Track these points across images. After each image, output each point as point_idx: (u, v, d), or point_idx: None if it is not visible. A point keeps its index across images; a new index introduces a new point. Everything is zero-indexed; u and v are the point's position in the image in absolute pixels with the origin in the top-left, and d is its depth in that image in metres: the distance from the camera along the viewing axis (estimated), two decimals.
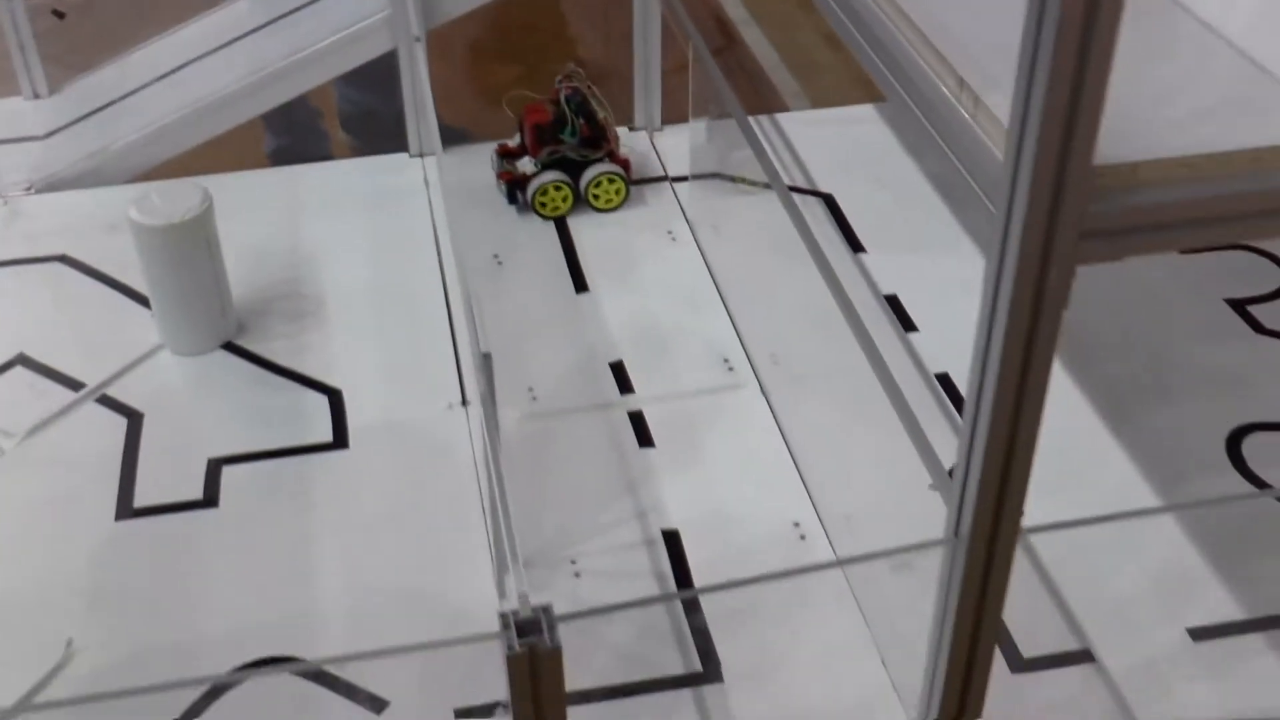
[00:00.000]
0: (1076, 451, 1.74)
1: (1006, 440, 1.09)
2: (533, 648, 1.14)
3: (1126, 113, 1.05)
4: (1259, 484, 1.72)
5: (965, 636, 1.23)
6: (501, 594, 1.54)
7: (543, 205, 2.18)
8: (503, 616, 1.16)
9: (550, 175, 2.16)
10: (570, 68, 2.18)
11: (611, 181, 2.18)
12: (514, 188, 2.19)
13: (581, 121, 2.15)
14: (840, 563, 1.58)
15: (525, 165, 2.20)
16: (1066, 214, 0.98)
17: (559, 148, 2.16)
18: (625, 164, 2.20)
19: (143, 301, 2.01)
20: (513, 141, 2.24)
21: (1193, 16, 1.18)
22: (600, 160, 2.17)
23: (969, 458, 1.13)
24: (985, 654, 1.24)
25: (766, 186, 2.02)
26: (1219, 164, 1.01)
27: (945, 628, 1.24)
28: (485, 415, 1.39)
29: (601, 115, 2.18)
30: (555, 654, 1.14)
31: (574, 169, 2.17)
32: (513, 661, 1.14)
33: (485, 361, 1.43)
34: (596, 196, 2.18)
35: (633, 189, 2.24)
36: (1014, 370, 1.05)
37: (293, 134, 2.97)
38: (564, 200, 2.17)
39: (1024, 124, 0.95)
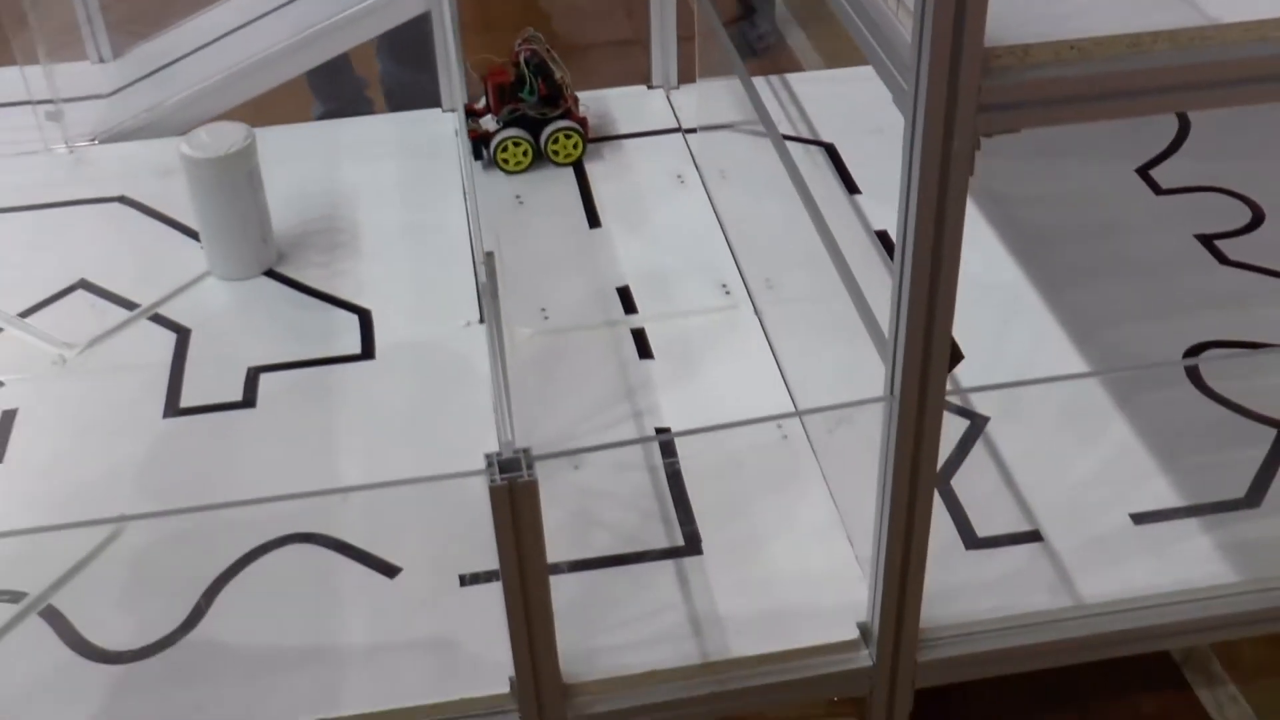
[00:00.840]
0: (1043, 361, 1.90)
1: (927, 296, 1.25)
2: (512, 482, 1.32)
3: (1027, 5, 1.22)
4: (1213, 395, 1.87)
5: (904, 488, 1.39)
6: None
7: (505, 161, 2.35)
8: (487, 456, 1.34)
9: (510, 132, 2.33)
10: (529, 32, 2.35)
11: (569, 136, 2.35)
12: (479, 144, 2.36)
13: (540, 81, 2.32)
14: (798, 413, 1.78)
15: (488, 123, 2.37)
16: (964, 87, 1.15)
17: (519, 106, 2.33)
18: (582, 121, 2.37)
19: (193, 235, 2.21)
20: (479, 103, 2.41)
21: None
22: (559, 117, 2.34)
23: (898, 317, 1.29)
24: (924, 503, 1.40)
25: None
26: (1102, 46, 1.17)
27: (887, 484, 1.40)
28: (486, 303, 1.57)
29: (559, 75, 2.34)
30: (531, 487, 1.32)
31: (534, 126, 2.35)
32: (495, 493, 1.32)
33: (488, 259, 1.62)
34: (556, 151, 2.36)
35: (649, 140, 2.41)
36: (929, 230, 1.22)
37: (340, 102, 3.17)
38: (524, 155, 2.34)
39: (923, 11, 1.12)
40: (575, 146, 2.36)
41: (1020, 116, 1.18)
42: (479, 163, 2.36)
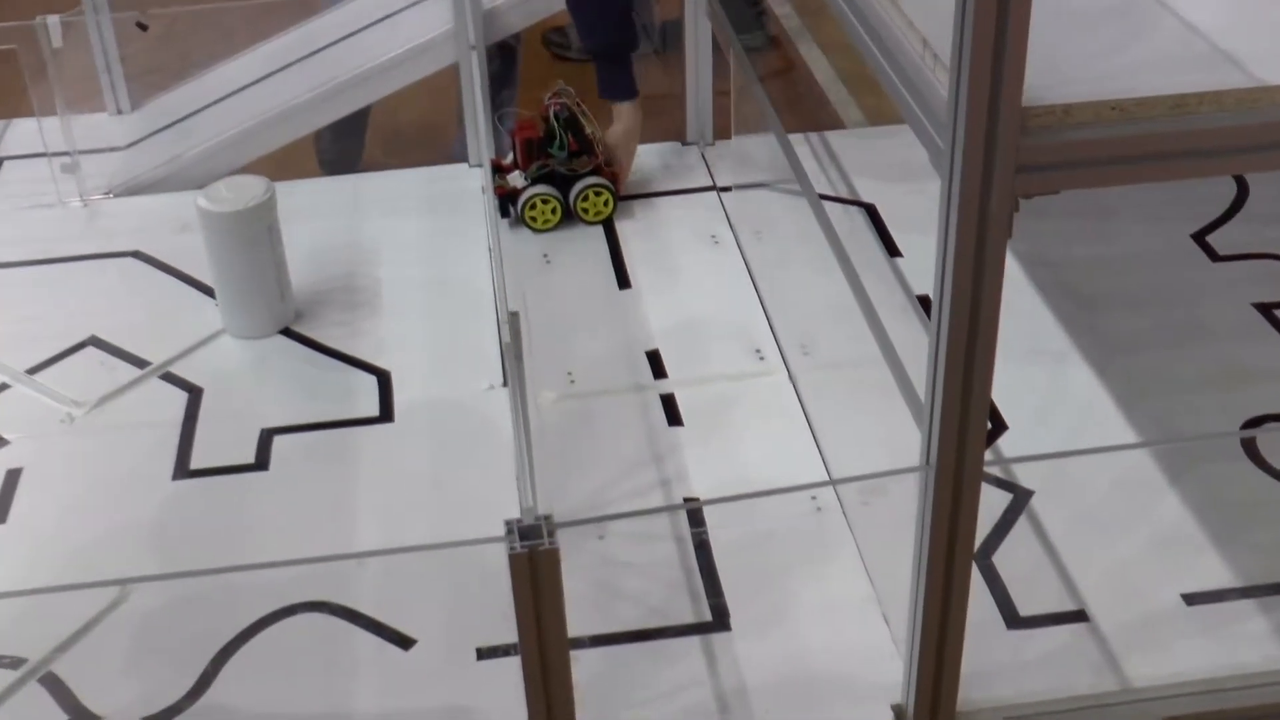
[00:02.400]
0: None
1: (964, 361, 1.28)
2: (533, 550, 1.34)
3: (1069, 65, 1.25)
4: (1270, 470, 1.88)
5: (941, 563, 1.41)
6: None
7: (533, 219, 2.38)
8: (507, 523, 1.36)
9: (539, 189, 2.36)
10: (559, 85, 2.39)
11: (599, 194, 2.38)
12: (506, 201, 2.39)
13: (570, 136, 2.36)
14: (832, 482, 1.81)
15: (515, 179, 2.40)
16: (1002, 147, 1.18)
17: (548, 162, 2.37)
18: (614, 178, 2.40)
19: (208, 292, 2.26)
20: (507, 159, 2.45)
21: None
22: (588, 174, 2.38)
23: (933, 383, 1.32)
24: (962, 579, 1.42)
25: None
26: (1144, 107, 1.20)
27: (922, 558, 1.42)
28: (509, 364, 1.60)
29: (589, 130, 2.38)
30: (553, 555, 1.34)
31: (564, 183, 2.38)
32: (515, 561, 1.34)
33: (513, 319, 1.65)
34: (585, 210, 2.39)
35: (683, 197, 2.46)
36: (966, 293, 1.24)
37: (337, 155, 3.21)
38: (552, 213, 2.37)
39: (959, 69, 1.16)
40: (606, 204, 2.40)
41: (1060, 178, 1.21)
42: (505, 220, 2.40)
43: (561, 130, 2.36)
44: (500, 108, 3.02)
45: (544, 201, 2.37)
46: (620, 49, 2.38)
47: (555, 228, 2.40)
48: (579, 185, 2.38)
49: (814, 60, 3.81)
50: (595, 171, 2.38)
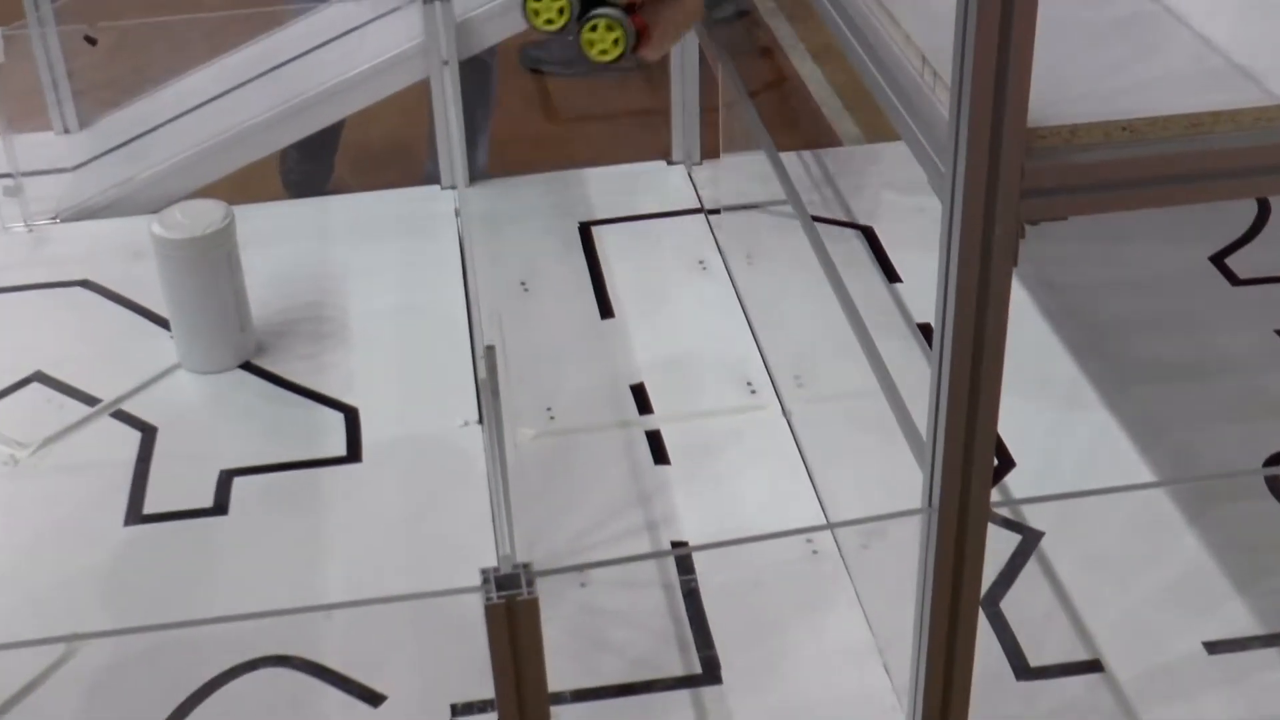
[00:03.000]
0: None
1: (967, 395, 1.28)
2: (510, 600, 1.34)
3: (1076, 82, 1.26)
4: None
5: (945, 611, 1.41)
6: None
7: (590, 45, 1.95)
8: (483, 571, 1.37)
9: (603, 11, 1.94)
10: None
11: (611, 28, 1.97)
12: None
13: None
14: (829, 526, 1.83)
15: None
16: (1006, 170, 1.18)
17: None
18: (642, 29, 1.98)
19: (162, 324, 2.26)
20: None
21: (1159, 3, 1.39)
22: (607, 3, 1.97)
23: (935, 418, 1.32)
24: (968, 627, 1.42)
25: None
26: (1157, 127, 1.21)
27: (925, 605, 1.42)
28: (485, 400, 1.60)
29: None
30: (532, 605, 1.34)
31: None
32: (491, 612, 1.34)
33: (488, 353, 1.66)
34: (590, 43, 1.98)
35: (669, 220, 2.47)
36: (969, 323, 1.25)
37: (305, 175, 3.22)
38: (614, 44, 1.94)
39: (961, 88, 1.16)
40: (616, 43, 1.97)
41: (1067, 203, 1.22)
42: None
43: None
44: (476, 128, 3.01)
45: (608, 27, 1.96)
46: None
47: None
48: (596, 11, 1.97)
49: (807, 73, 3.83)
50: (628, 9, 1.99)
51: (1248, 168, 1.24)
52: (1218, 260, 2.37)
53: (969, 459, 1.33)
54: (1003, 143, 1.18)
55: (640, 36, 2.01)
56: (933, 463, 1.35)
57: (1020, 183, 1.20)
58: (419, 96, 2.59)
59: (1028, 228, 1.23)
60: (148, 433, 2.07)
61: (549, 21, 2.02)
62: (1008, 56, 1.14)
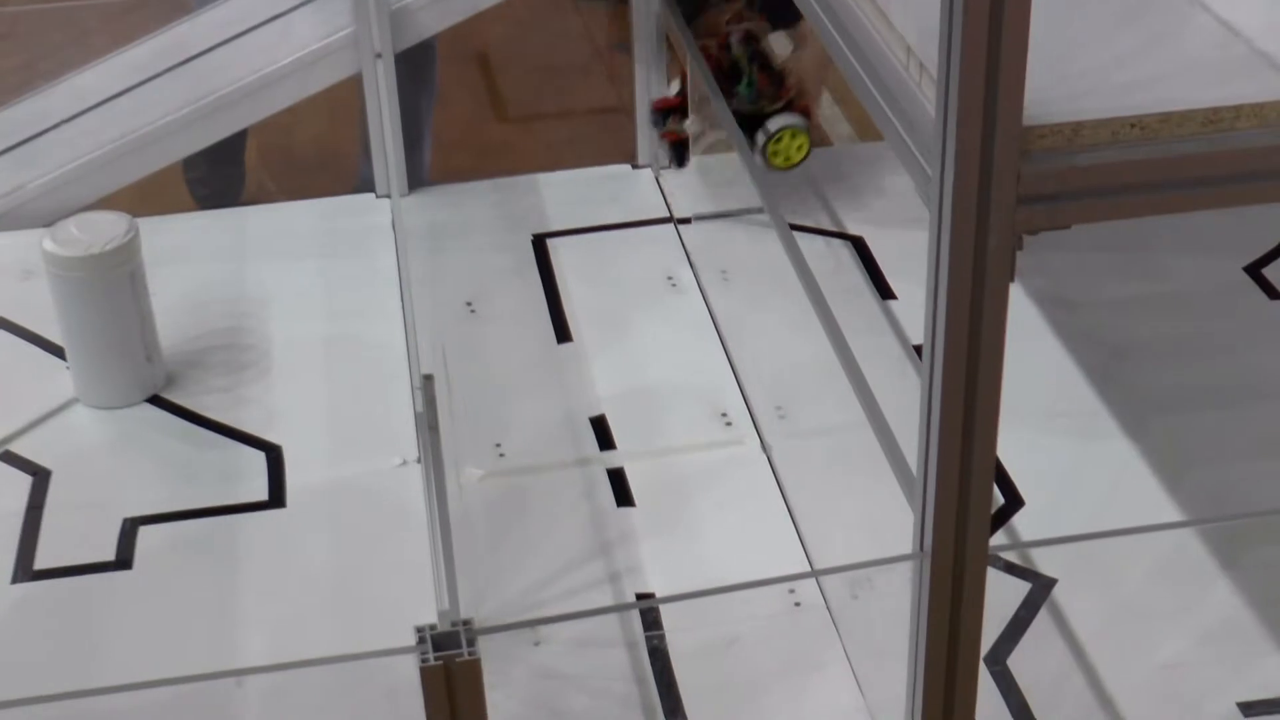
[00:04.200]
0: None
1: (961, 426, 1.30)
2: (449, 661, 1.36)
3: (1079, 74, 1.29)
4: None
5: (940, 668, 1.43)
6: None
7: (775, 155, 2.33)
8: (419, 629, 1.38)
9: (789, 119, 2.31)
10: (740, 5, 2.33)
11: (795, 136, 2.32)
12: (679, 149, 2.41)
13: (756, 70, 2.31)
14: (814, 574, 1.84)
15: (692, 125, 2.40)
16: (1000, 174, 1.21)
17: (732, 102, 2.31)
18: (807, 112, 2.35)
19: (56, 353, 2.26)
20: (672, 91, 2.42)
21: None
22: (780, 111, 2.32)
23: (925, 453, 1.34)
24: (967, 687, 1.44)
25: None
26: (1171, 124, 1.24)
27: (918, 662, 1.44)
28: (423, 440, 1.62)
29: (779, 60, 2.33)
30: (473, 667, 1.36)
31: (747, 124, 2.32)
32: (428, 675, 1.36)
33: (426, 383, 1.67)
34: (775, 154, 2.32)
35: (634, 231, 2.49)
36: (960, 345, 1.27)
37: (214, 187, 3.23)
38: (798, 150, 2.32)
39: (947, 81, 1.19)
40: (800, 149, 2.35)
41: (1070, 210, 1.24)
42: (675, 169, 2.41)
43: (748, 63, 2.30)
44: (418, 123, 3.04)
45: (793, 136, 2.32)
46: None
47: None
48: (772, 125, 2.31)
49: None
50: (788, 108, 2.32)
51: (1275, 169, 1.27)
52: (1253, 271, 2.39)
53: (964, 497, 1.35)
54: (995, 143, 1.20)
55: (809, 116, 2.34)
56: (923, 502, 1.37)
57: (1016, 188, 1.22)
58: (349, 93, 2.61)
59: (1027, 238, 1.26)
60: (40, 476, 2.08)
61: (788, 160, 2.34)
62: (1000, 44, 1.16)
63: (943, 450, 1.32)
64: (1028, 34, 1.16)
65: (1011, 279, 1.26)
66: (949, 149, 1.20)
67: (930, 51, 1.25)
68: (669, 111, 2.44)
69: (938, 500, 1.35)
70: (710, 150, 2.42)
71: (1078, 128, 1.23)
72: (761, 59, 2.33)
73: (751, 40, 2.33)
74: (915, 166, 1.28)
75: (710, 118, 2.37)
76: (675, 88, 2.44)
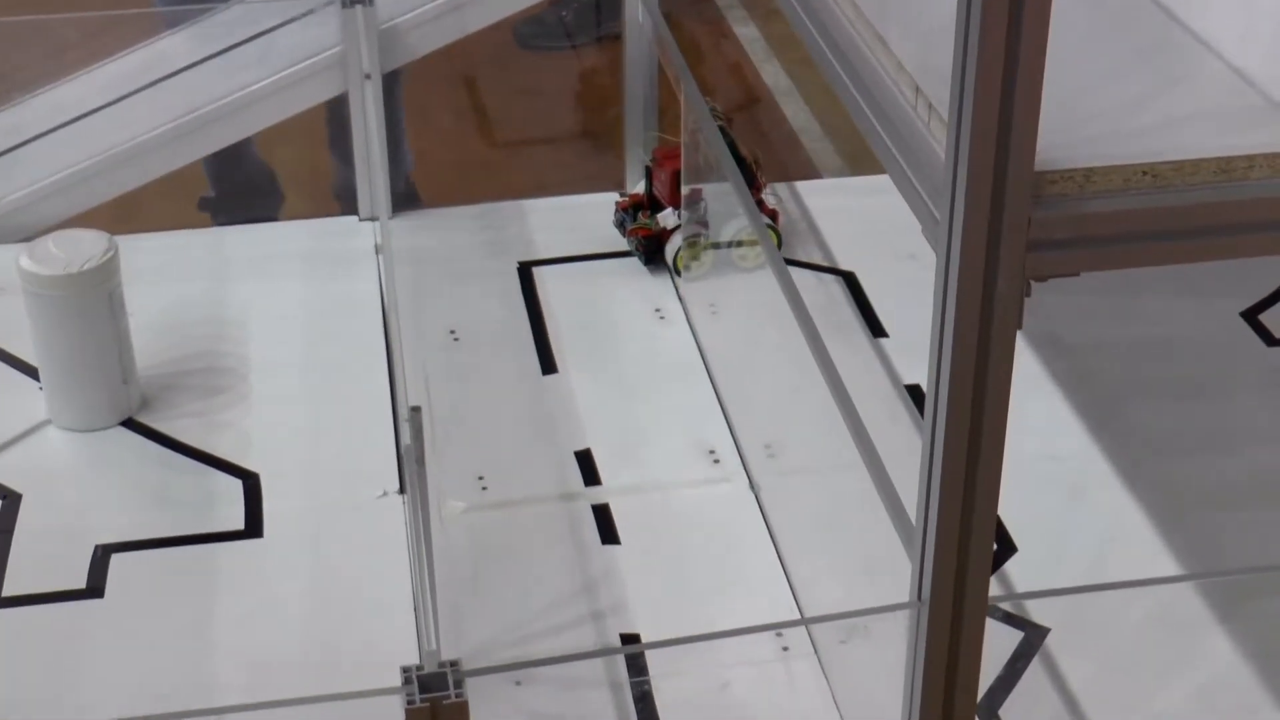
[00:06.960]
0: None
1: (964, 473, 1.30)
2: (435, 703, 1.35)
3: (1092, 120, 1.29)
4: None
5: (936, 714, 1.43)
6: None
7: (689, 266, 2.39)
8: (404, 670, 1.37)
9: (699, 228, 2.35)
10: (710, 103, 2.36)
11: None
12: (651, 245, 2.44)
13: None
14: (804, 621, 1.83)
15: (668, 218, 2.43)
16: (1011, 219, 1.21)
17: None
18: (774, 215, 2.40)
19: (30, 373, 2.25)
20: (635, 191, 2.44)
21: (1187, 30, 1.42)
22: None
23: (927, 500, 1.34)
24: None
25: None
26: (1183, 171, 1.24)
27: (914, 712, 1.44)
28: (410, 474, 1.61)
29: (750, 157, 2.37)
30: (460, 710, 1.35)
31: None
32: (413, 716, 1.35)
33: (414, 415, 1.67)
34: (744, 257, 2.39)
35: (622, 262, 2.49)
36: (965, 392, 1.27)
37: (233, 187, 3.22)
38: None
39: (959, 124, 1.19)
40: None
41: (1080, 258, 1.25)
42: (648, 268, 2.42)
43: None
44: (394, 133, 3.05)
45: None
46: None
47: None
48: (736, 226, 2.37)
49: (782, 92, 3.87)
50: (757, 206, 2.34)
51: None
52: (1250, 317, 2.40)
53: (965, 547, 1.35)
54: (1007, 188, 1.20)
55: (776, 220, 2.42)
56: (923, 551, 1.37)
57: (1027, 233, 1.22)
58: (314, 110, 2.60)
59: (1034, 284, 1.26)
60: (10, 500, 2.06)
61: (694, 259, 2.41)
62: (1014, 89, 1.16)
63: (944, 500, 1.32)
64: (1042, 80, 1.16)
65: (1020, 326, 1.26)
66: (959, 193, 1.20)
67: (939, 92, 1.26)
68: (636, 208, 2.46)
69: (938, 550, 1.34)
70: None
71: (1089, 174, 1.23)
72: (735, 156, 2.30)
73: (724, 135, 2.32)
74: (922, 209, 1.28)
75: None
76: (640, 188, 2.46)
